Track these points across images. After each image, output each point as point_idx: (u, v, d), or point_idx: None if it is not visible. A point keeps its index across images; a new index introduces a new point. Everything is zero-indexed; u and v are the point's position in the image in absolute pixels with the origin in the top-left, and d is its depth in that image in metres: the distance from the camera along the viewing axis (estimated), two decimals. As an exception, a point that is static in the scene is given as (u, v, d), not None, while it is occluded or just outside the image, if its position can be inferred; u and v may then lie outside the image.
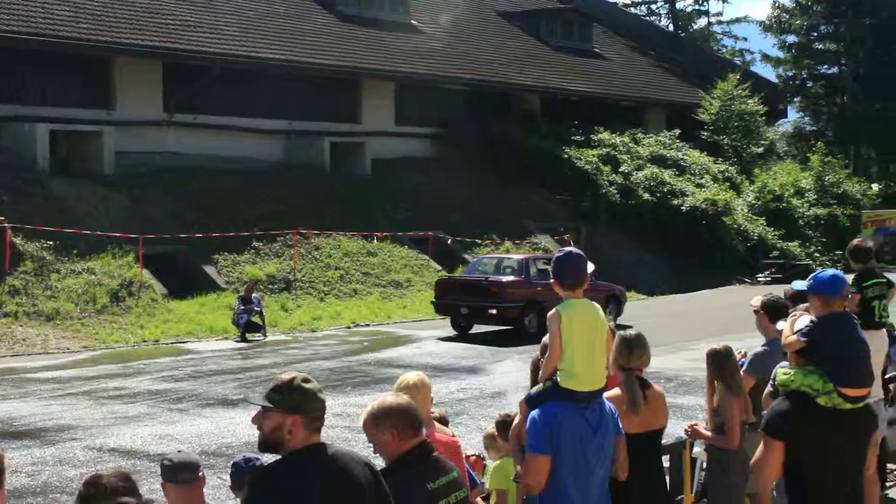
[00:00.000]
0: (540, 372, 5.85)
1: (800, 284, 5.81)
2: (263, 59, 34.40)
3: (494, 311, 24.05)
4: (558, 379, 5.67)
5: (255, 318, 24.54)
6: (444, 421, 7.25)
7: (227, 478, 5.89)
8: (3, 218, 24.88)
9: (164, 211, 29.14)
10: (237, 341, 23.84)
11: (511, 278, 24.89)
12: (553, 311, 5.75)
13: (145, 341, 23.57)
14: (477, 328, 25.35)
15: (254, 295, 25.06)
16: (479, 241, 34.98)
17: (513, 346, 22.48)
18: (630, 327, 6.88)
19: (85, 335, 23.36)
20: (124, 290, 25.44)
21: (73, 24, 30.39)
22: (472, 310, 24.42)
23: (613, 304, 26.30)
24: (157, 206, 29.18)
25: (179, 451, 5.70)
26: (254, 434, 13.64)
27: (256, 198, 31.50)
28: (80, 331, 23.54)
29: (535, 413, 5.71)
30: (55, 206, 27.44)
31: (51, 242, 25.69)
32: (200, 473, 5.52)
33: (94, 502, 4.83)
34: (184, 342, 23.65)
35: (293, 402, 4.33)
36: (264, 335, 24.43)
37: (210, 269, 28.10)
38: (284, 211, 31.05)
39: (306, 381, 4.38)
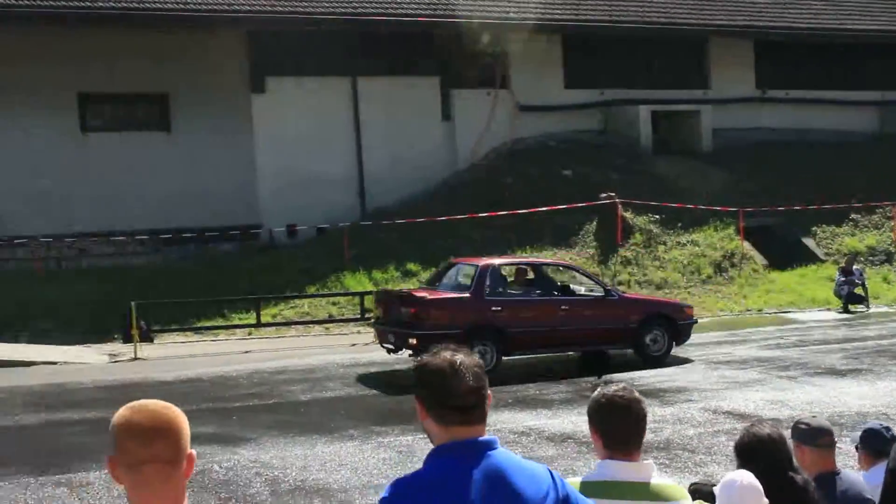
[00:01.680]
0: None
1: None
2: (851, 31, 34.01)
3: (414, 341, 16.63)
4: None
5: (858, 290, 24.63)
6: None
7: (851, 442, 6.26)
8: (613, 194, 27.05)
9: (759, 184, 29.83)
10: (839, 312, 24.08)
11: (449, 294, 17.44)
12: None
13: (748, 310, 24.50)
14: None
15: (855, 267, 25.11)
16: None
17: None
18: None
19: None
20: (727, 261, 26.60)
21: (668, 10, 32.09)
22: (396, 337, 17.35)
23: (662, 329, 18.20)
24: (754, 180, 29.93)
25: (814, 416, 5.85)
26: (866, 404, 14.00)
27: (851, 169, 31.25)
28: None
29: None
30: (658, 182, 29.21)
31: (656, 216, 27.48)
32: (836, 439, 5.77)
33: (754, 454, 5.74)
34: (786, 312, 24.27)
35: None
36: (867, 307, 24.44)
37: (809, 241, 28.48)
38: (880, 182, 30.53)
39: None
